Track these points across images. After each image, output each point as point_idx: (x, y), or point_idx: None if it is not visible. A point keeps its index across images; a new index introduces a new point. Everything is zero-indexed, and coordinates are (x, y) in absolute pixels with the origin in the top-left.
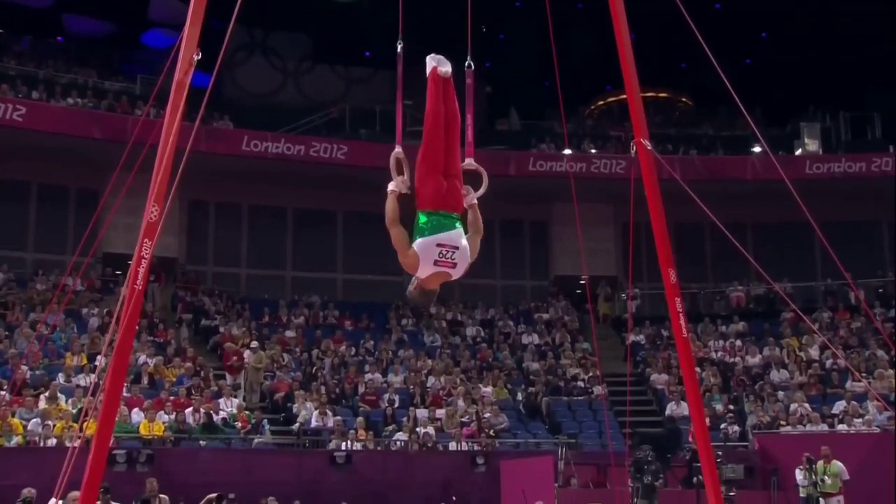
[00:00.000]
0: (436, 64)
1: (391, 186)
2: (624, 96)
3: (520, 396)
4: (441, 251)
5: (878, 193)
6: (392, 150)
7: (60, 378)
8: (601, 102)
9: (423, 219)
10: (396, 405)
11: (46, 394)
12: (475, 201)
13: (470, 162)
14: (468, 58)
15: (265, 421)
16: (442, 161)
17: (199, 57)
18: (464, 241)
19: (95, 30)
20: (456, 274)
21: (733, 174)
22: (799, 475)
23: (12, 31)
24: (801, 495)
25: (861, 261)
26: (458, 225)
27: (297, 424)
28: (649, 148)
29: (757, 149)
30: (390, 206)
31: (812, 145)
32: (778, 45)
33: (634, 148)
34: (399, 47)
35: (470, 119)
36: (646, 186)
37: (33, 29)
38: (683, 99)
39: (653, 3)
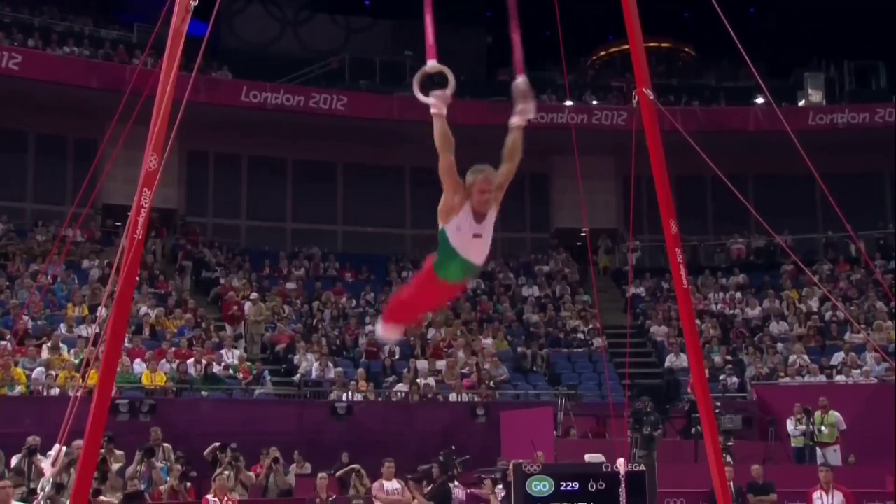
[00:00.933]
0: None
1: (433, 110)
2: (626, 47)
3: (520, 350)
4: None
5: (881, 145)
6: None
7: (62, 328)
8: (603, 53)
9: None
10: (397, 357)
11: (49, 344)
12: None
13: (523, 79)
14: None
15: (266, 372)
16: None
17: (196, 3)
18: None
19: None
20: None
21: (736, 125)
22: (790, 425)
23: None
24: (794, 445)
25: (862, 212)
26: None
27: (298, 376)
28: (651, 97)
29: (759, 100)
30: (438, 130)
31: (815, 96)
32: None
33: (636, 98)
34: None
35: (517, 37)
36: (647, 136)
37: None
38: (686, 49)
39: None
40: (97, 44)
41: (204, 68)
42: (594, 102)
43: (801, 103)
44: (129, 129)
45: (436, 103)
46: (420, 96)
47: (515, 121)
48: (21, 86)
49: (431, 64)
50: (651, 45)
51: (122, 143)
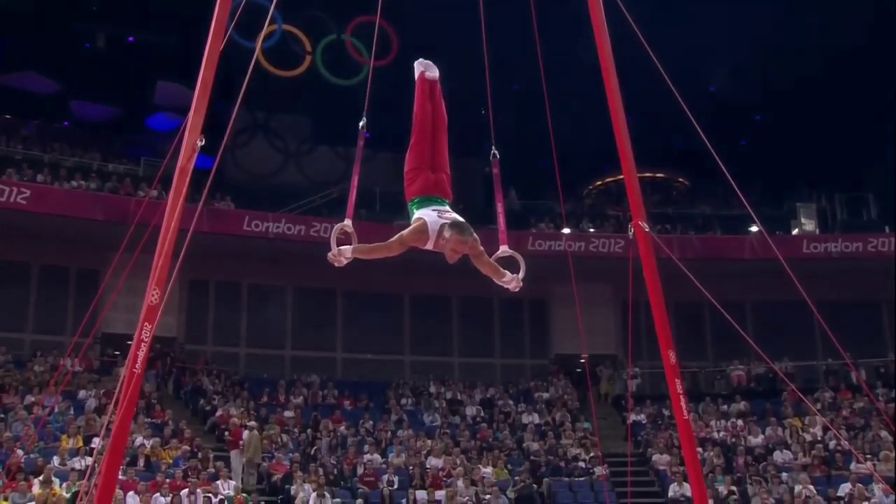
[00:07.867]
0: (423, 69)
1: (330, 255)
2: (622, 176)
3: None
4: (438, 212)
5: (876, 273)
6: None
7: (55, 461)
8: (599, 182)
9: (413, 203)
10: (395, 486)
11: (41, 478)
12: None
13: (504, 249)
14: (493, 147)
15: (262, 503)
16: (429, 156)
17: (203, 143)
18: (454, 214)
19: (101, 114)
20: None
21: (731, 254)
22: None
23: (20, 116)
24: None
25: (862, 340)
26: (445, 203)
27: None
28: (647, 230)
29: (754, 228)
30: (370, 257)
31: (809, 225)
32: (772, 127)
33: (632, 230)
34: (361, 124)
35: (500, 207)
36: (644, 268)
37: (40, 114)
38: (680, 179)
39: (648, 85)
40: (104, 177)
41: (207, 198)
42: (591, 230)
43: (795, 232)
44: (134, 261)
45: (341, 253)
46: (333, 245)
47: (507, 286)
48: (27, 219)
49: (347, 222)
50: (646, 175)
51: (126, 274)
